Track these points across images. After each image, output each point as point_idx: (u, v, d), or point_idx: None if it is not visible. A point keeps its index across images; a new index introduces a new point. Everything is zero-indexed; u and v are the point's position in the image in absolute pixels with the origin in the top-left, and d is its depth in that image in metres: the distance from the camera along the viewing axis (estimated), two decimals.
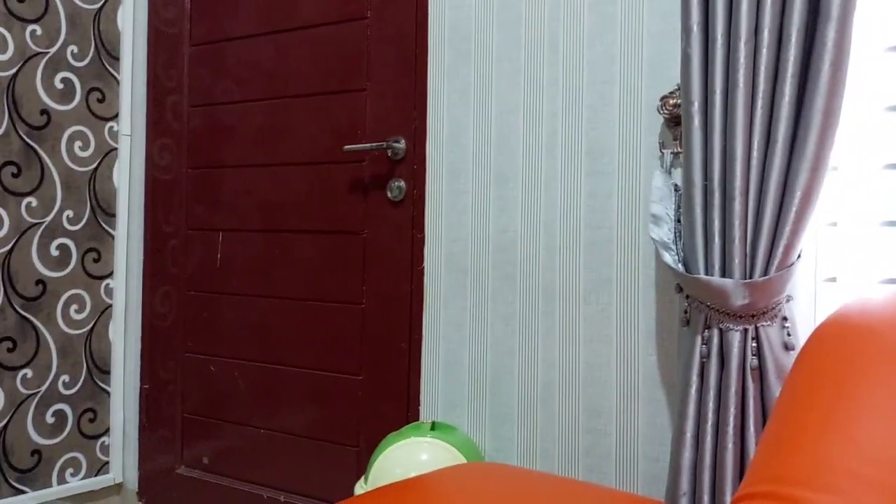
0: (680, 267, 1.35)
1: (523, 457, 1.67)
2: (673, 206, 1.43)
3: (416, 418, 1.83)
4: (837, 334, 0.89)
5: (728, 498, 1.27)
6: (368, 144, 1.86)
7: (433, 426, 1.65)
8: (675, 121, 1.47)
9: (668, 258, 1.35)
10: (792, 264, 1.25)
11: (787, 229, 1.23)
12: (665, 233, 1.39)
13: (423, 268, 1.81)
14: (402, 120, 1.85)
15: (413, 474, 1.51)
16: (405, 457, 1.57)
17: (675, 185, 1.46)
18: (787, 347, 1.27)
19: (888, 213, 1.32)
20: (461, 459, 1.57)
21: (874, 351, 0.83)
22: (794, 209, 1.22)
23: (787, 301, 1.28)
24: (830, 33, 1.19)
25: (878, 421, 0.73)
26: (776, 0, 1.23)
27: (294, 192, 2.04)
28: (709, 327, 1.31)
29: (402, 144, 1.84)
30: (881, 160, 1.33)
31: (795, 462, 0.73)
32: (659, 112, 1.49)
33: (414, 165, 1.83)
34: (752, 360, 1.26)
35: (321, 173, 1.99)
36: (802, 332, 1.34)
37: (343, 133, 1.95)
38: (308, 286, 2.01)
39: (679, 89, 1.44)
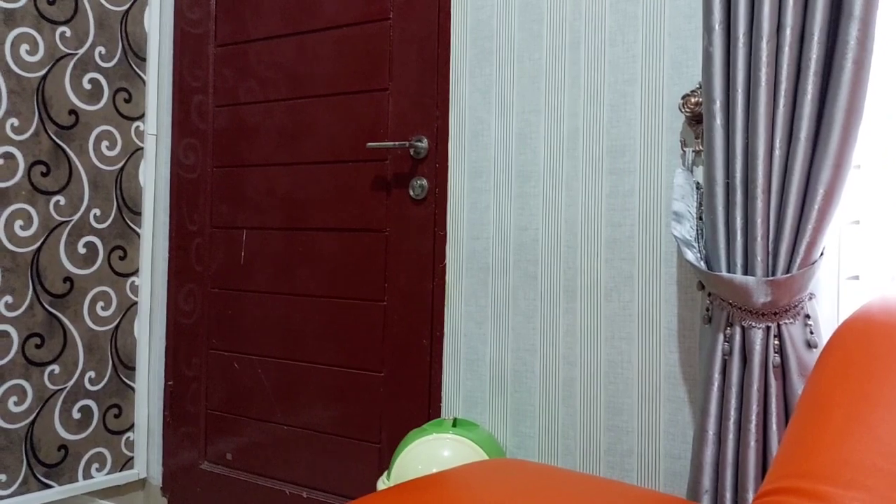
0: (702, 264, 1.35)
1: (545, 454, 1.68)
2: (695, 204, 1.43)
3: (438, 415, 1.84)
4: (860, 332, 0.89)
5: (750, 495, 1.28)
6: (391, 143, 1.88)
7: (455, 423, 1.67)
8: (696, 119, 1.48)
9: (690, 256, 1.36)
10: (815, 262, 1.25)
11: (810, 227, 1.23)
12: (687, 230, 1.40)
13: (445, 265, 1.83)
14: (424, 119, 1.87)
15: (435, 470, 1.52)
16: (427, 453, 1.58)
17: (697, 182, 1.46)
18: (810, 345, 1.27)
19: None
20: (483, 456, 1.59)
21: None
22: (816, 207, 1.23)
23: (810, 299, 1.28)
24: (853, 31, 1.19)
25: None
26: None
27: (317, 191, 2.06)
28: (731, 325, 1.31)
29: (424, 143, 1.86)
30: None
31: (820, 458, 0.73)
32: (681, 111, 1.49)
33: (436, 164, 1.85)
34: (774, 358, 1.26)
35: (344, 172, 2.01)
36: (825, 329, 1.34)
37: (366, 132, 1.97)
38: (331, 284, 2.03)
39: (700, 88, 1.45)
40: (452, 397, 1.82)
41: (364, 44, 1.98)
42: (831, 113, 1.21)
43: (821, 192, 1.22)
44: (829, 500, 0.68)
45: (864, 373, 0.82)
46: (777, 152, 1.26)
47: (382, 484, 1.65)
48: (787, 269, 1.25)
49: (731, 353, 1.31)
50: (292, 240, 2.10)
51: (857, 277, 1.37)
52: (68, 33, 2.16)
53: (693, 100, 1.46)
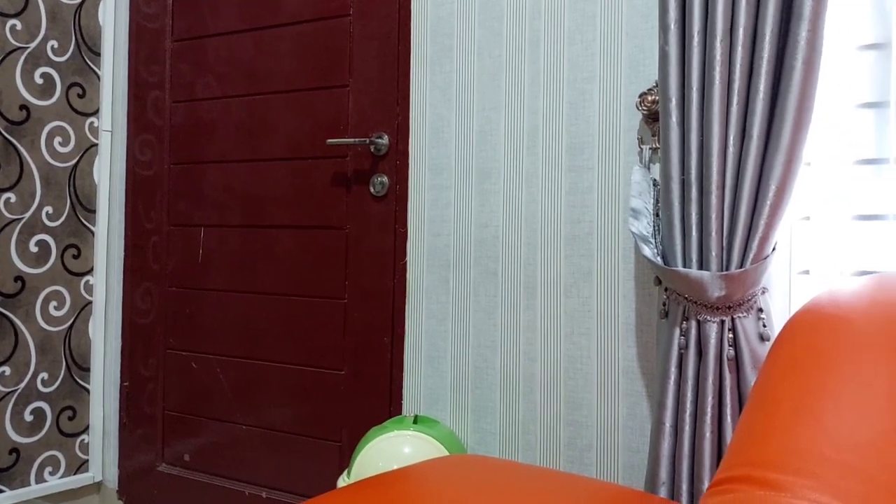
0: (658, 260, 1.37)
1: (505, 449, 1.69)
2: (652, 201, 1.45)
3: (399, 412, 1.84)
4: (809, 325, 0.92)
5: (706, 486, 1.30)
6: (351, 139, 1.87)
7: (416, 420, 1.67)
8: (653, 117, 1.50)
9: (647, 251, 1.38)
10: (767, 257, 1.28)
11: (762, 222, 1.26)
12: (644, 226, 1.42)
13: (406, 262, 1.83)
14: (384, 116, 1.86)
15: (395, 467, 1.52)
16: (388, 450, 1.58)
17: (654, 179, 1.48)
18: (763, 338, 1.30)
19: (860, 208, 1.35)
20: (444, 452, 1.59)
21: (843, 340, 0.85)
22: (768, 203, 1.25)
23: (763, 293, 1.31)
24: (803, 32, 1.22)
25: (847, 407, 0.75)
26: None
27: (276, 188, 2.04)
28: (687, 319, 1.34)
29: (384, 140, 1.85)
30: (853, 156, 1.36)
31: (770, 448, 0.75)
32: (637, 108, 1.51)
33: (396, 161, 1.85)
34: (728, 351, 1.29)
35: (304, 169, 2.00)
36: (777, 323, 1.37)
37: (326, 129, 1.96)
38: (290, 281, 2.02)
39: (657, 86, 1.47)
40: (414, 394, 1.81)
41: (324, 40, 1.97)
42: (782, 111, 1.24)
43: (773, 188, 1.25)
44: (780, 487, 0.70)
45: (811, 365, 0.84)
46: (731, 149, 1.28)
47: (343, 482, 1.64)
48: (741, 264, 1.28)
49: (686, 346, 1.33)
50: (251, 237, 2.08)
51: (807, 272, 1.40)
52: (19, 26, 2.11)
53: (650, 98, 1.48)
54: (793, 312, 1.29)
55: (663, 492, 1.35)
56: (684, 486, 1.33)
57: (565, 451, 1.62)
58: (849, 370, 0.81)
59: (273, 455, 2.04)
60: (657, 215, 1.44)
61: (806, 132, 1.25)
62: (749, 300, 1.29)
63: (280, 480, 2.03)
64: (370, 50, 1.89)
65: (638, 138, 1.54)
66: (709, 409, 1.30)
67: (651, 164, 1.51)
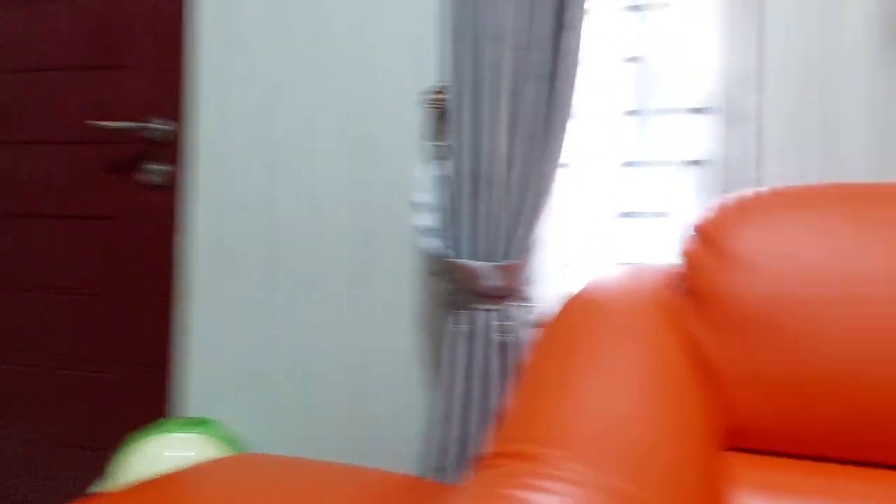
0: (440, 252, 1.41)
1: (292, 446, 1.64)
2: (436, 195, 1.49)
3: (177, 415, 1.73)
4: (571, 313, 0.99)
5: None
6: (127, 123, 1.74)
7: (192, 421, 1.57)
8: (439, 114, 1.53)
9: (430, 244, 1.41)
10: (536, 249, 1.35)
11: (532, 217, 1.33)
12: (428, 220, 1.45)
13: (185, 255, 1.73)
14: (166, 100, 1.75)
15: (163, 471, 1.42)
16: (156, 453, 1.47)
17: (438, 175, 1.52)
18: (531, 325, 1.38)
19: (623, 206, 1.48)
20: (224, 452, 1.51)
21: (598, 328, 0.93)
22: (537, 200, 1.33)
23: (533, 283, 1.39)
24: (571, 41, 1.31)
25: (598, 389, 0.82)
26: (524, 7, 1.33)
27: (39, 174, 1.85)
28: (465, 308, 1.38)
29: (164, 126, 1.74)
30: (618, 158, 1.49)
31: (532, 425, 0.79)
32: (423, 106, 1.54)
33: (177, 148, 1.74)
34: (502, 338, 1.35)
35: (72, 153, 1.83)
36: (545, 311, 1.45)
37: (100, 111, 1.81)
38: (48, 276, 1.84)
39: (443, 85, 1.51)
40: (192, 395, 1.72)
41: (100, 17, 1.82)
42: (553, 114, 1.32)
43: (541, 186, 1.33)
44: (540, 460, 0.74)
45: (569, 350, 0.91)
46: (504, 148, 1.34)
47: (98, 488, 1.51)
48: (513, 256, 1.34)
49: (464, 334, 1.38)
50: (6, 227, 1.87)
51: (572, 265, 1.50)
52: None
53: (436, 96, 1.52)
54: (559, 302, 1.38)
55: (440, 476, 1.38)
56: (459, 471, 1.36)
57: (350, 444, 1.60)
58: (603, 354, 0.88)
59: (26, 468, 1.84)
60: (441, 210, 1.48)
61: (569, 134, 1.34)
62: (521, 290, 1.36)
63: (39, 496, 1.83)
64: (151, 31, 1.77)
65: (424, 134, 1.57)
66: (484, 394, 1.35)
67: (436, 160, 1.55)
